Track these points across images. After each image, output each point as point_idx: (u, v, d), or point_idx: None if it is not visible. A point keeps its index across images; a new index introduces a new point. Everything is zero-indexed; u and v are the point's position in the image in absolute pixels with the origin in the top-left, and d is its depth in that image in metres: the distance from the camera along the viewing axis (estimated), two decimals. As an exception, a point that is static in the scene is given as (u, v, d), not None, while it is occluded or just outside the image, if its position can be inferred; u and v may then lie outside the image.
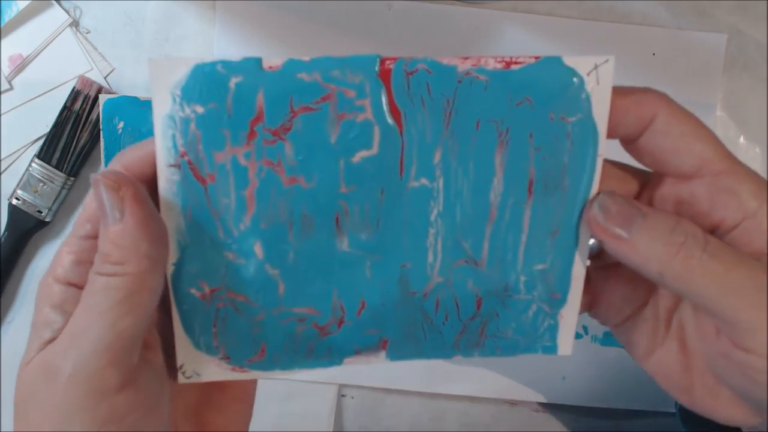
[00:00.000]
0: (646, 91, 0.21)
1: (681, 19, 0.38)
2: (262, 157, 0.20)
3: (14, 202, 0.37)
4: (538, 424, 0.40)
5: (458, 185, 0.21)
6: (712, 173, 0.20)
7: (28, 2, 0.37)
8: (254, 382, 0.25)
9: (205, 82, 0.19)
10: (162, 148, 0.20)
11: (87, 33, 0.39)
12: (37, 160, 0.37)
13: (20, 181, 0.37)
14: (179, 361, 0.22)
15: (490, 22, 0.38)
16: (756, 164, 0.39)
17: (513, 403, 0.40)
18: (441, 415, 0.40)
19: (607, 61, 0.20)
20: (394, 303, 0.22)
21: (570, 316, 0.23)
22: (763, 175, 0.22)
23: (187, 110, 0.20)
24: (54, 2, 0.38)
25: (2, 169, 0.38)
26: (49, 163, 0.37)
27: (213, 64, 0.19)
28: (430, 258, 0.22)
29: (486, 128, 0.21)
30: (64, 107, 0.37)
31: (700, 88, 0.39)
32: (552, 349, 0.24)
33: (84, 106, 0.37)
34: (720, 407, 0.22)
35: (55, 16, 0.38)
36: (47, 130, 0.37)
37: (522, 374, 0.39)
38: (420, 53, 0.20)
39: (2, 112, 0.38)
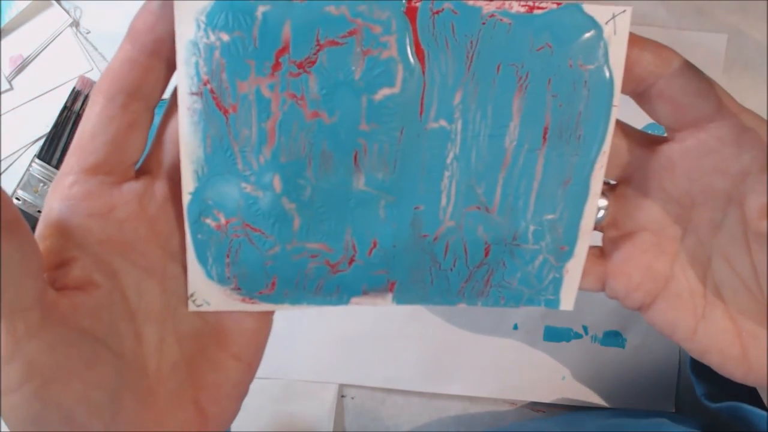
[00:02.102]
0: (657, 42, 0.21)
1: (681, 19, 0.38)
2: (286, 89, 0.20)
3: (14, 202, 0.37)
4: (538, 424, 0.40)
5: (476, 129, 0.21)
6: (733, 112, 0.21)
7: (28, 2, 0.37)
8: (259, 344, 0.24)
9: (232, 10, 0.19)
10: (184, 75, 0.19)
11: (87, 33, 0.39)
12: (37, 160, 0.37)
13: (20, 181, 0.37)
14: (190, 290, 0.22)
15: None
16: (756, 164, 0.39)
17: (513, 403, 0.40)
18: (441, 415, 0.40)
19: (624, 11, 0.20)
20: (405, 245, 0.22)
21: (575, 270, 0.23)
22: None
23: (212, 37, 0.19)
24: (54, 2, 0.38)
25: (2, 169, 0.38)
26: (49, 163, 0.37)
27: None
28: (443, 201, 0.22)
29: (506, 72, 0.21)
30: (64, 107, 0.37)
31: (700, 88, 0.39)
32: (555, 303, 0.24)
33: (84, 106, 0.37)
34: None
35: (55, 16, 0.38)
36: (47, 130, 0.38)
37: (522, 374, 0.39)
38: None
39: (2, 112, 0.38)
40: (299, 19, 0.19)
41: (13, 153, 0.38)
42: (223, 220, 0.21)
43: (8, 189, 0.38)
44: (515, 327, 0.39)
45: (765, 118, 0.21)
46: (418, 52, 0.20)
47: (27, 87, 0.38)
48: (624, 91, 0.21)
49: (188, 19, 0.19)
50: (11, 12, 0.38)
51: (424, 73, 0.20)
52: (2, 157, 0.38)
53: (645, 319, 0.25)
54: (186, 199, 0.21)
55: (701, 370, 0.25)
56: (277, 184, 0.21)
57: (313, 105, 0.20)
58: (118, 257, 0.20)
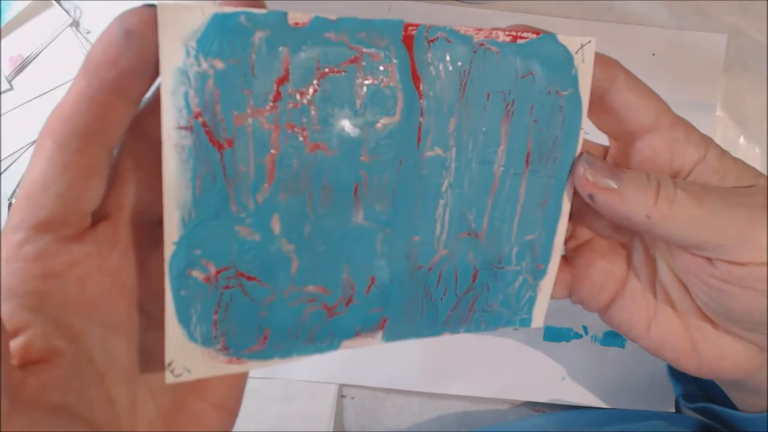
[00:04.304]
0: (605, 56, 0.23)
1: (681, 19, 0.38)
2: (287, 120, 0.18)
3: (14, 202, 0.37)
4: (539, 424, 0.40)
5: (468, 155, 0.21)
6: (668, 125, 0.23)
7: (28, 2, 0.37)
8: (239, 388, 0.22)
9: (226, 35, 0.17)
10: (171, 107, 0.17)
11: (87, 33, 0.39)
12: (37, 160, 0.37)
13: (20, 181, 0.37)
14: (168, 357, 0.19)
15: (489, 22, 0.38)
16: (756, 164, 0.39)
17: (513, 403, 0.40)
18: (441, 415, 0.40)
19: (590, 41, 0.22)
20: (401, 279, 0.22)
21: (546, 287, 0.24)
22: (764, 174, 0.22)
23: (204, 65, 0.17)
24: (54, 2, 0.38)
25: (2, 169, 0.38)
26: (49, 163, 0.37)
27: (235, 15, 0.17)
28: (438, 230, 0.22)
29: (495, 99, 0.21)
30: (64, 107, 0.37)
31: (700, 88, 0.39)
32: (527, 321, 0.25)
33: (84, 106, 0.37)
34: (725, 358, 0.23)
35: (55, 16, 0.38)
36: (47, 130, 0.38)
37: (522, 374, 0.39)
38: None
39: (2, 112, 0.38)
40: (299, 46, 0.18)
41: (13, 153, 0.38)
42: (213, 271, 0.19)
43: (8, 189, 0.38)
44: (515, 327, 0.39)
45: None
46: (415, 80, 0.20)
47: (27, 87, 0.38)
48: None
49: (176, 44, 0.17)
50: (11, 12, 0.38)
51: (421, 101, 0.20)
52: (2, 157, 0.38)
53: (603, 320, 0.26)
54: (169, 250, 0.18)
55: (678, 371, 0.26)
56: (276, 224, 0.19)
57: (314, 137, 0.19)
58: (79, 317, 0.18)
